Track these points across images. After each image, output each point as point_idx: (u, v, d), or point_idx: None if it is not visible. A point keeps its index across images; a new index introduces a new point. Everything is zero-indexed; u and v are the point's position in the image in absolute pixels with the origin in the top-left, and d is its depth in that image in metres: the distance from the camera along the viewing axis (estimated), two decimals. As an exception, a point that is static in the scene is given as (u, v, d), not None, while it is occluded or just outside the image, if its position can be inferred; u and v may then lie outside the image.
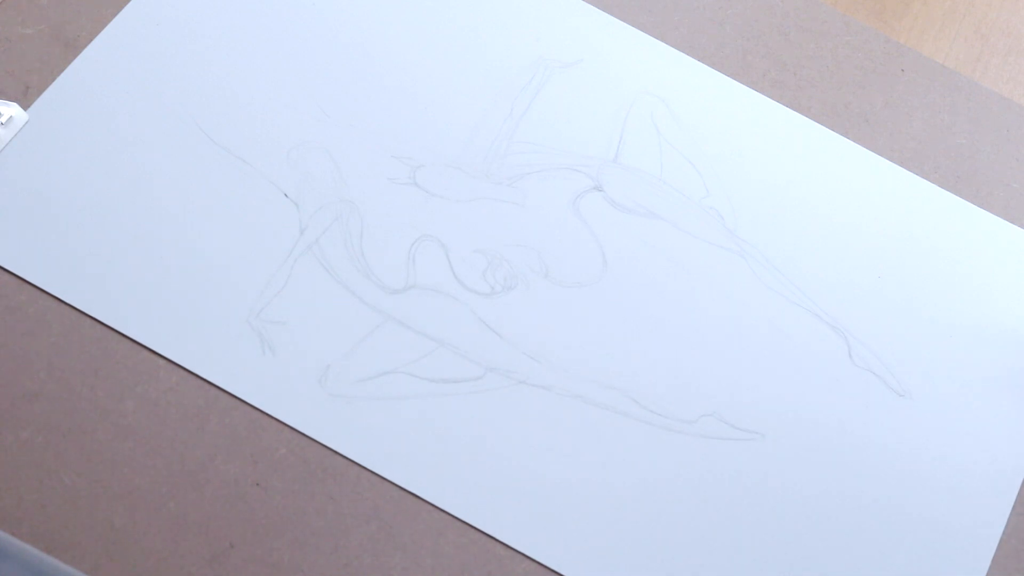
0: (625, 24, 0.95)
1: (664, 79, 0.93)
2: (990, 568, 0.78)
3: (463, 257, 0.84)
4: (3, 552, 0.70)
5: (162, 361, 0.77)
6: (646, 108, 0.91)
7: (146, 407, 0.76)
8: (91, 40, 0.87)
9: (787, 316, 0.85)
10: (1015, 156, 0.94)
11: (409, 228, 0.84)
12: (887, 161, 0.92)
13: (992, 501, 0.81)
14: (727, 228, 0.88)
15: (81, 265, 0.79)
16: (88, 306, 0.78)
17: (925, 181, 0.92)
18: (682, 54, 0.94)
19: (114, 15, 0.88)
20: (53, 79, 0.85)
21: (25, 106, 0.84)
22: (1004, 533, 0.80)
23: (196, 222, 0.82)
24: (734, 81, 0.94)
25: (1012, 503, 0.81)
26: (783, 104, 0.93)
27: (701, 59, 0.94)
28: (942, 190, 0.92)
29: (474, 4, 0.93)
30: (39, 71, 0.85)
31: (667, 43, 0.94)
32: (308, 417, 0.77)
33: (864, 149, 0.92)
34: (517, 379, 0.80)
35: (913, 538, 0.79)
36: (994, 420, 0.83)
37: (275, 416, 0.77)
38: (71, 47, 0.86)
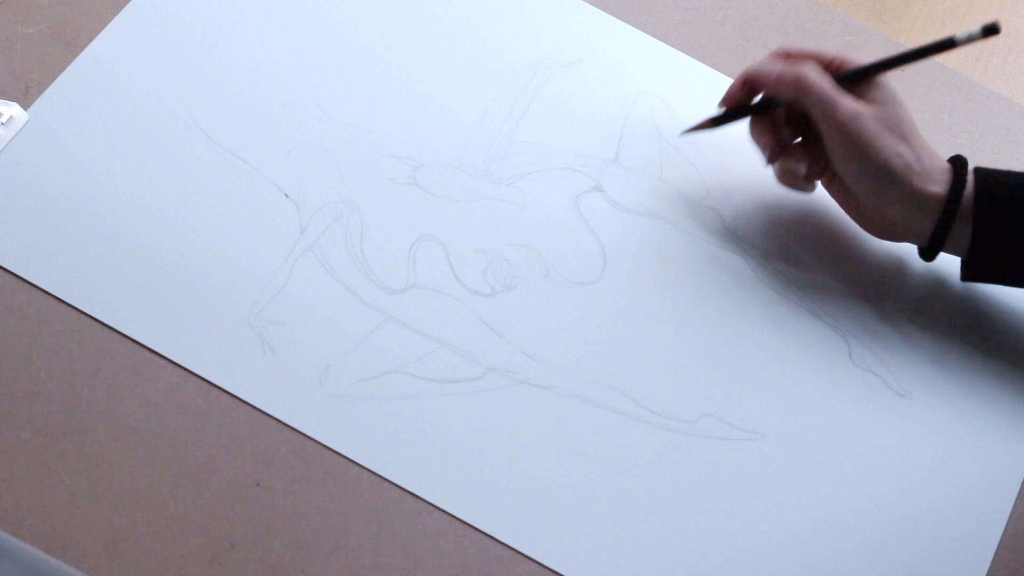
0: (625, 24, 0.95)
1: (664, 79, 0.93)
2: (990, 568, 0.78)
3: (463, 257, 0.84)
4: (3, 552, 0.70)
5: (162, 361, 0.77)
6: (646, 108, 0.91)
7: (146, 407, 0.76)
8: (91, 40, 0.87)
9: (787, 316, 0.85)
10: (1015, 156, 0.94)
11: (409, 228, 0.84)
12: (887, 161, 0.92)
13: (992, 501, 0.81)
14: (727, 228, 0.88)
15: (81, 265, 0.79)
16: (88, 306, 0.78)
17: (925, 181, 0.92)
18: (682, 54, 0.94)
19: (114, 15, 0.88)
20: (53, 79, 0.85)
21: (25, 106, 0.84)
22: (1004, 533, 0.80)
23: (196, 222, 0.82)
24: (734, 81, 0.94)
25: (1012, 503, 0.81)
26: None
27: (701, 59, 0.94)
28: (942, 190, 0.91)
29: (474, 4, 0.93)
30: (39, 71, 0.85)
31: (667, 43, 0.94)
32: (308, 417, 0.77)
33: (864, 149, 0.92)
34: (517, 379, 0.80)
35: (913, 538, 0.79)
36: (994, 420, 0.83)
37: (275, 416, 0.77)
38: (71, 47, 0.86)
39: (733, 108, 0.86)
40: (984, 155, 0.93)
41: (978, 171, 0.81)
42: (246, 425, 0.76)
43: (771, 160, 0.84)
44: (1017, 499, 0.81)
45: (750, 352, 0.83)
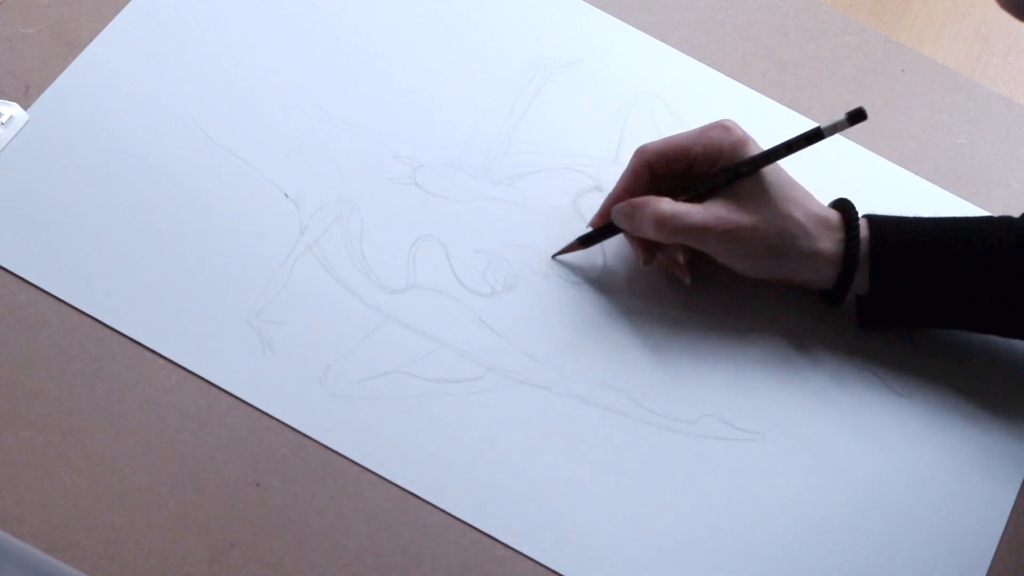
0: (625, 24, 0.95)
1: (664, 79, 0.93)
2: (990, 568, 0.78)
3: (463, 257, 0.84)
4: (3, 552, 0.70)
5: (162, 361, 0.77)
6: (646, 108, 0.91)
7: (146, 407, 0.76)
8: (91, 40, 0.87)
9: (786, 316, 0.85)
10: (1015, 156, 0.94)
11: (409, 228, 0.84)
12: (887, 161, 0.92)
13: (992, 501, 0.81)
14: (727, 228, 0.87)
15: (81, 265, 0.79)
16: (88, 306, 0.78)
17: (925, 181, 0.92)
18: (682, 54, 0.94)
19: (114, 15, 0.88)
20: (53, 79, 0.85)
21: (25, 106, 0.84)
22: (1004, 533, 0.80)
23: (196, 222, 0.82)
24: (734, 81, 0.94)
25: (1012, 503, 0.81)
26: (783, 104, 0.93)
27: (701, 59, 0.94)
28: (942, 190, 0.92)
29: (474, 4, 0.93)
30: (39, 71, 0.85)
31: (667, 43, 0.94)
32: (308, 417, 0.77)
33: (864, 149, 0.92)
34: (517, 379, 0.80)
35: (913, 538, 0.79)
36: (994, 420, 0.83)
37: (275, 416, 0.77)
38: (71, 47, 0.86)
39: (600, 227, 0.84)
40: (984, 155, 0.93)
41: (871, 220, 0.81)
42: (246, 425, 0.76)
43: (647, 261, 0.83)
44: (1017, 499, 0.81)
45: (750, 352, 0.83)
